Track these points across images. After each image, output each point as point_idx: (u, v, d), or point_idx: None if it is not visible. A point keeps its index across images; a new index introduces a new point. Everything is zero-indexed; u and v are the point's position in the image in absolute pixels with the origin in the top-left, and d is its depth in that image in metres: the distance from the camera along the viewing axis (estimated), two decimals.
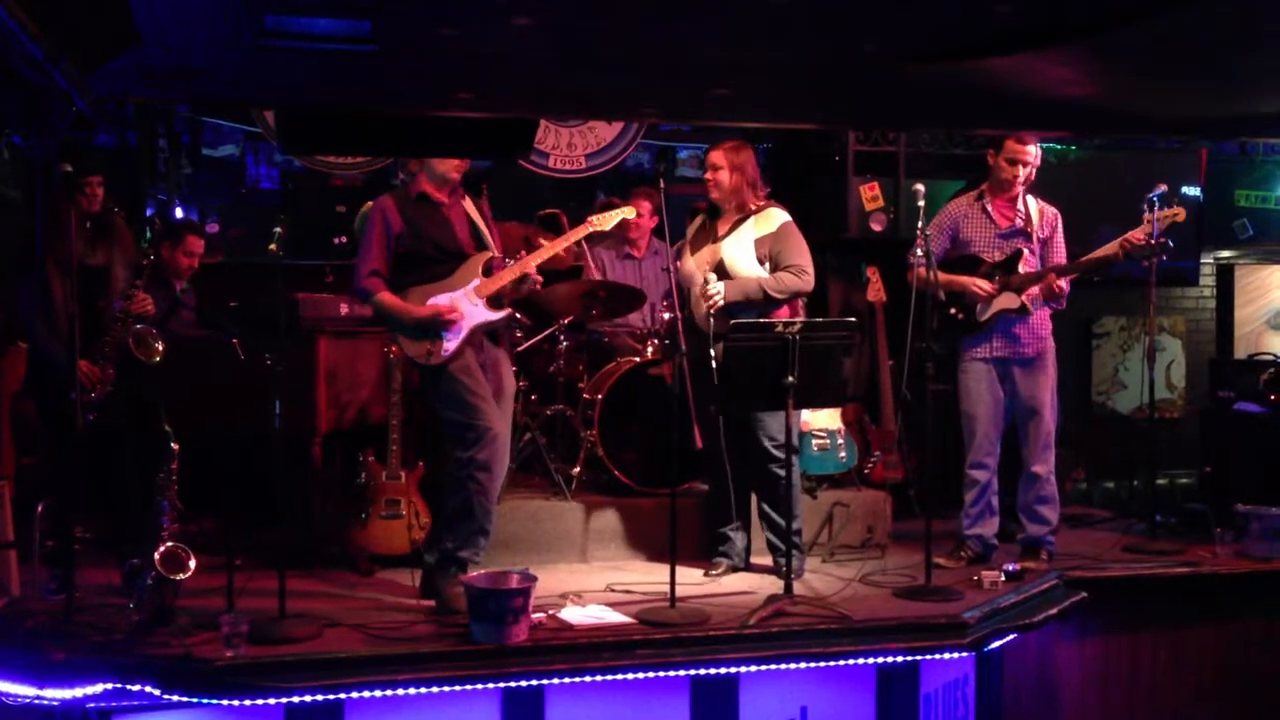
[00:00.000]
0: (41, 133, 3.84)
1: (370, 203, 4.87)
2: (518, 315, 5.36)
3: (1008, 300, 5.05)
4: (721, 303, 4.67)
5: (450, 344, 4.37)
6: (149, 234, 4.83)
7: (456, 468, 4.35)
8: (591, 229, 4.82)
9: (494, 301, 4.49)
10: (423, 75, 3.81)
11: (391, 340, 4.74)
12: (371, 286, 4.41)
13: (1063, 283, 5.00)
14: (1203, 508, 5.81)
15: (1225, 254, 8.28)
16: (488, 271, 4.50)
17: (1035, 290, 5.03)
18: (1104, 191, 5.29)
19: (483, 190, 4.76)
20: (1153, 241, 5.04)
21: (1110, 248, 5.09)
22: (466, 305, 4.42)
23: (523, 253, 4.61)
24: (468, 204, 4.59)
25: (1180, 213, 5.14)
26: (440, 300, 4.40)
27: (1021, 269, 5.06)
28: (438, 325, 4.36)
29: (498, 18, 3.18)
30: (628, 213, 4.96)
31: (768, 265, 4.79)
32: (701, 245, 4.91)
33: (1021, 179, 5.08)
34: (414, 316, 4.37)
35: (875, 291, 6.25)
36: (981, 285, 5.04)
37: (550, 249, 4.68)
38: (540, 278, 4.58)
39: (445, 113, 4.18)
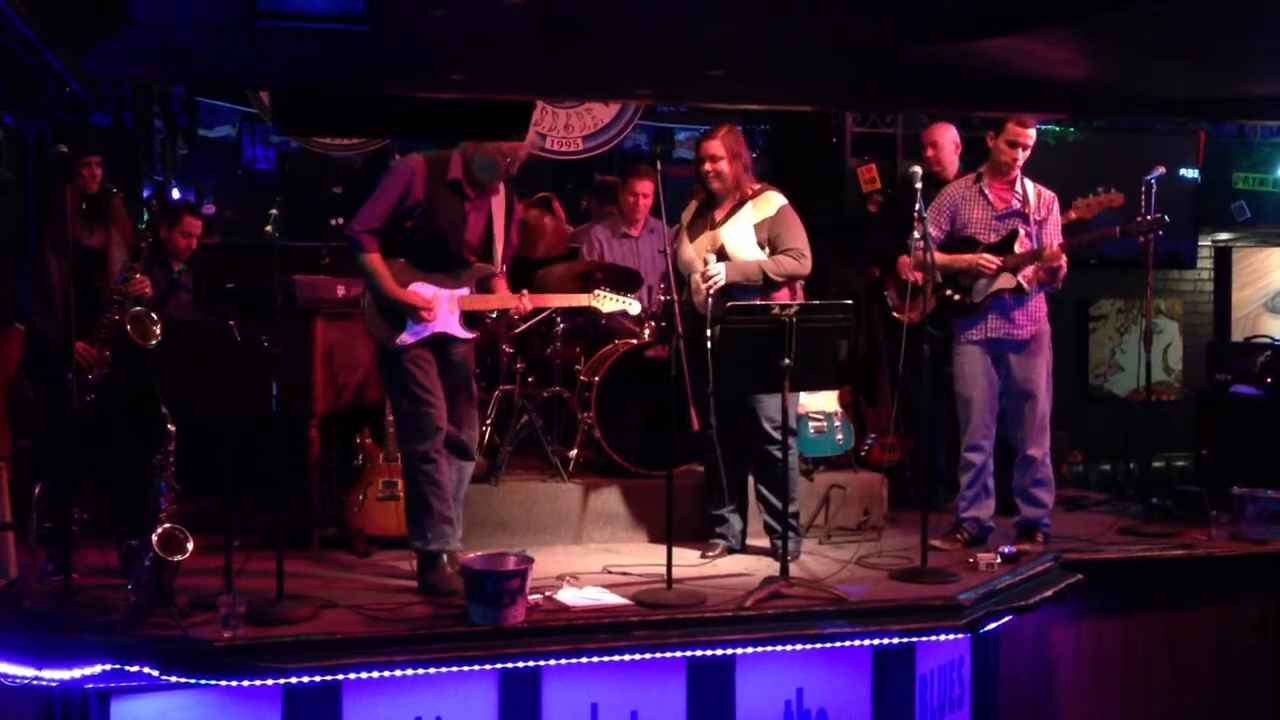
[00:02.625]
0: (34, 114, 3.82)
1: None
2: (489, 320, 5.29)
3: (1004, 280, 5.04)
4: (722, 283, 4.67)
5: (408, 337, 4.32)
6: (146, 215, 4.83)
7: (405, 460, 4.37)
8: (591, 303, 4.79)
9: (469, 319, 4.44)
10: (417, 56, 3.79)
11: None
12: (367, 244, 4.32)
13: (1061, 261, 4.97)
14: (1199, 490, 5.82)
15: (1223, 236, 8.28)
16: (481, 288, 4.45)
17: (1031, 272, 5.02)
18: (1101, 173, 5.29)
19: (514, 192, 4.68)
20: (1150, 217, 5.03)
21: (1097, 205, 5.10)
22: (444, 309, 4.36)
23: (524, 291, 4.51)
24: (497, 204, 4.47)
25: (1118, 198, 5.12)
26: (423, 291, 4.36)
27: (1017, 249, 5.05)
28: (409, 313, 4.33)
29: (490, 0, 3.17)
30: (631, 307, 4.89)
31: (767, 249, 4.78)
32: (699, 232, 4.90)
33: (1020, 161, 5.07)
34: (395, 296, 4.30)
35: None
36: (988, 260, 5.03)
37: (545, 300, 4.65)
38: (527, 309, 4.52)
39: (440, 94, 4.16)
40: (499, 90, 4.13)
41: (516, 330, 5.74)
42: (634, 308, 4.93)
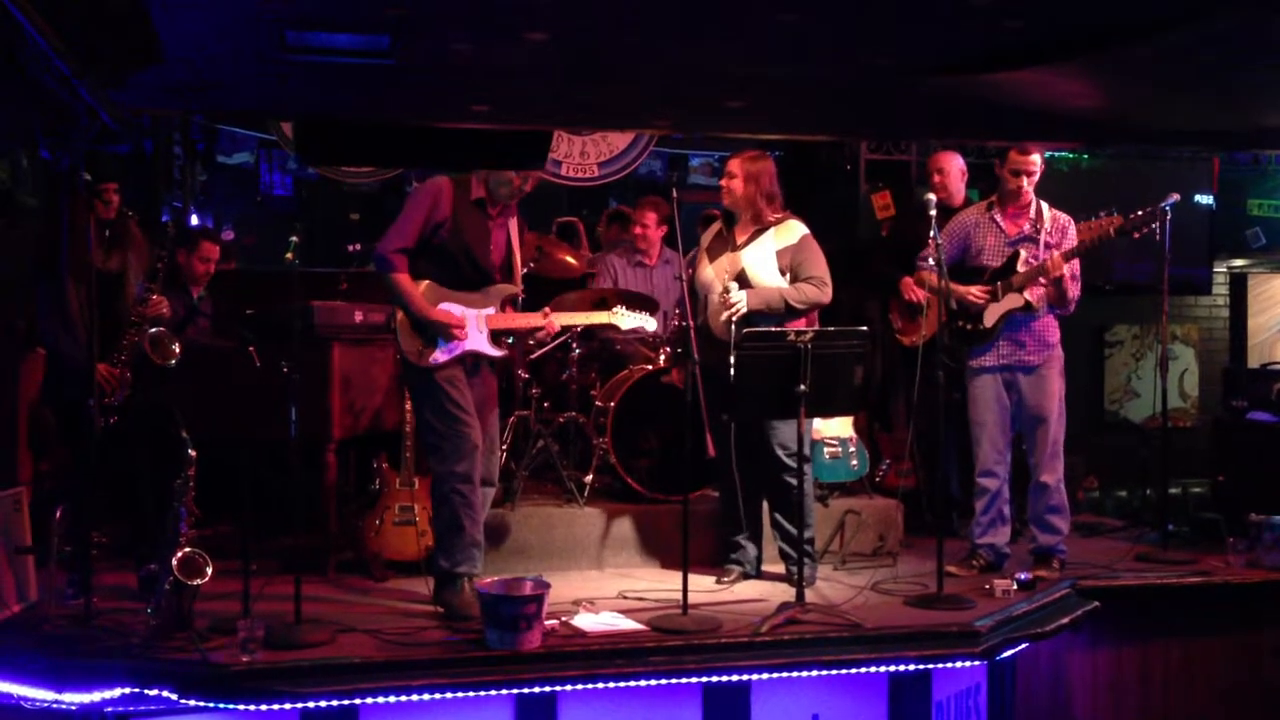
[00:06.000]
0: (66, 145, 3.88)
1: None
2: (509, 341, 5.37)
3: (1012, 301, 5.05)
4: (744, 310, 4.69)
5: (441, 355, 4.38)
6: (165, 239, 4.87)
7: (438, 482, 4.37)
8: (612, 320, 4.89)
9: (497, 337, 4.50)
10: (439, 88, 3.85)
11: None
12: (396, 263, 4.37)
13: (1062, 272, 4.94)
14: (1215, 517, 5.80)
15: (1238, 263, 8.27)
16: (504, 307, 4.52)
17: (1041, 291, 5.03)
18: (1115, 200, 5.30)
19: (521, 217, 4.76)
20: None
21: (1095, 230, 5.08)
22: (472, 328, 4.43)
23: (548, 310, 4.61)
24: (513, 225, 4.58)
25: (1118, 220, 5.10)
26: (453, 310, 4.43)
27: (1021, 269, 5.05)
28: (441, 332, 4.39)
29: (513, 33, 3.22)
30: (648, 324, 5.00)
31: (788, 276, 4.81)
32: (719, 253, 4.93)
33: (1027, 188, 5.08)
34: (426, 315, 4.37)
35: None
36: (974, 294, 5.05)
37: (566, 317, 4.72)
38: (554, 328, 4.60)
39: (461, 124, 4.21)
40: (520, 120, 4.19)
41: (532, 355, 5.77)
42: (650, 324, 5.00)
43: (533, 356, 5.79)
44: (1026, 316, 5.04)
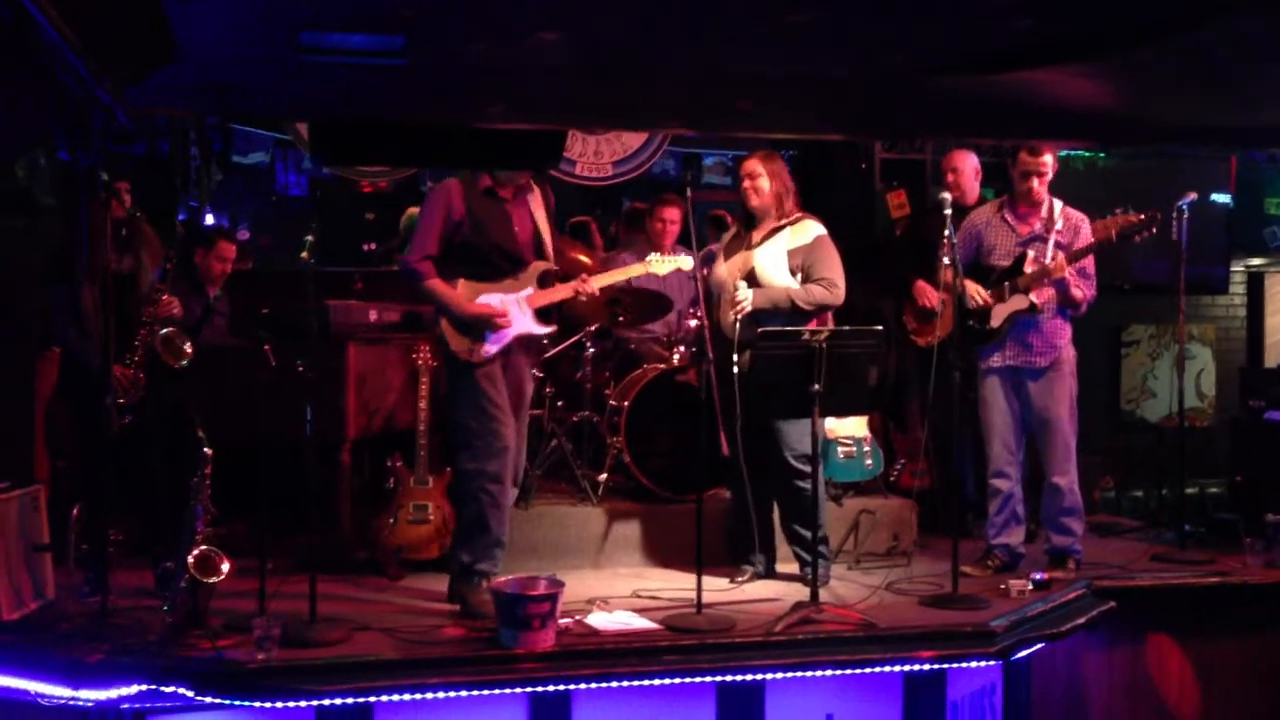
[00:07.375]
0: (84, 145, 3.89)
1: (414, 209, 4.87)
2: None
3: (1017, 302, 5.03)
4: (749, 309, 4.69)
5: (491, 347, 4.39)
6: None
7: (466, 479, 4.38)
8: (647, 270, 4.86)
9: (542, 314, 4.51)
10: (454, 88, 3.86)
11: (421, 338, 4.76)
12: (424, 271, 4.39)
13: (1065, 273, 4.92)
14: (1232, 517, 5.77)
15: (1256, 262, 8.22)
16: (542, 283, 4.52)
17: (1049, 293, 5.01)
18: (1132, 199, 5.27)
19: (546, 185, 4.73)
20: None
21: (1099, 232, 5.05)
22: (515, 312, 4.44)
23: (584, 275, 4.62)
24: (534, 201, 4.55)
25: (1135, 218, 5.05)
26: (491, 300, 4.43)
27: (1028, 270, 5.03)
28: (485, 325, 4.39)
29: (527, 34, 3.22)
30: (684, 263, 4.94)
31: (799, 276, 4.80)
32: (735, 253, 4.92)
33: (1038, 188, 5.05)
34: (466, 312, 4.38)
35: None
36: (973, 296, 5.04)
37: (604, 276, 4.71)
38: (595, 291, 4.60)
39: (476, 124, 4.22)
40: (534, 120, 4.19)
41: (547, 355, 5.78)
42: (687, 264, 4.90)
43: (547, 355, 5.79)
44: (1033, 318, 5.02)
